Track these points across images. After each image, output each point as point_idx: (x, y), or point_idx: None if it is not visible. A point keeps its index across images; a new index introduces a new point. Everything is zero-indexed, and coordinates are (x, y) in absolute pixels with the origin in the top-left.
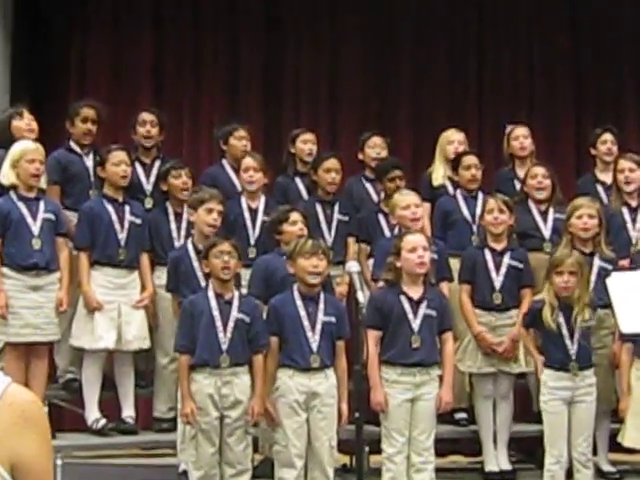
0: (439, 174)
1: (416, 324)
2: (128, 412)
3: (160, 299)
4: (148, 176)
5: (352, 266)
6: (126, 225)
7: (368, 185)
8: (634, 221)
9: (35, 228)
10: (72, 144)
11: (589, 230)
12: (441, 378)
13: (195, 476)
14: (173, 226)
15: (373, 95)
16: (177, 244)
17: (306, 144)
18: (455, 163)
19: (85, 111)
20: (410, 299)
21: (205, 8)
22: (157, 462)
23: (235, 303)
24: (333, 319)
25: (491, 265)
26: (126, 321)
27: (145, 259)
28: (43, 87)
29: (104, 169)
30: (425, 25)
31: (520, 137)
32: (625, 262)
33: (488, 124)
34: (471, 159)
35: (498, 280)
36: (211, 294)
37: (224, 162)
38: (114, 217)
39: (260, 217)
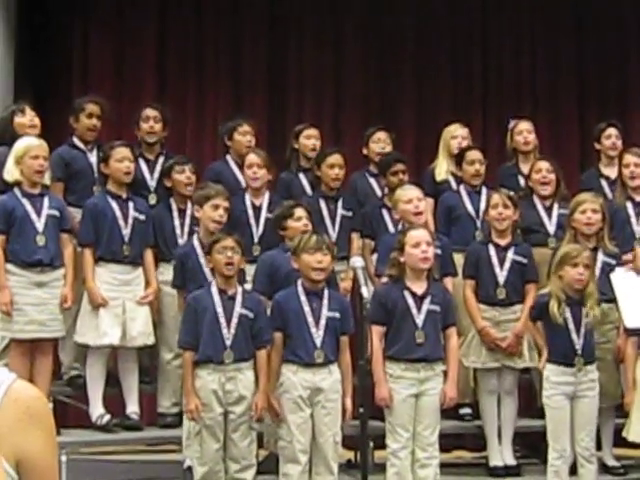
0: (442, 169)
1: (420, 319)
2: (132, 408)
3: (164, 295)
4: (152, 172)
5: (356, 261)
6: (130, 221)
7: (372, 180)
8: (638, 216)
9: (39, 224)
10: (75, 140)
11: (593, 225)
12: (445, 373)
13: (200, 472)
14: (177, 222)
15: (376, 91)
16: (181, 240)
17: (309, 139)
18: (459, 158)
19: (90, 107)
20: (414, 294)
21: (208, 5)
22: (162, 458)
23: (239, 299)
24: (337, 314)
25: (495, 260)
26: (131, 317)
27: (149, 255)
28: (46, 84)
29: (107, 165)
30: (428, 21)
31: (524, 132)
32: (629, 256)
33: (492, 119)
34: (475, 154)
35: (502, 275)
36: (214, 290)
37: (228, 158)
38: (118, 213)
39: (264, 214)
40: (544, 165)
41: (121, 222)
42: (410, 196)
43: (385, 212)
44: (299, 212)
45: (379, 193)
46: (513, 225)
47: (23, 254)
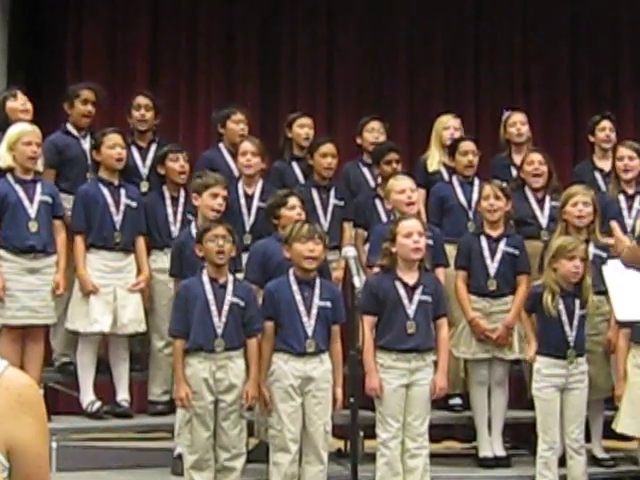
0: (434, 160)
1: (411, 310)
2: (123, 395)
3: (156, 283)
4: (144, 160)
5: (348, 251)
6: (122, 208)
7: (365, 170)
8: (630, 209)
9: (32, 211)
10: (69, 127)
11: (584, 218)
12: (436, 364)
13: (190, 460)
14: (170, 210)
15: (370, 80)
16: (173, 228)
17: (303, 128)
18: (452, 149)
19: (85, 93)
20: (405, 285)
21: None
22: (152, 445)
23: (229, 287)
24: (329, 304)
25: (486, 252)
26: (122, 305)
27: (141, 242)
28: (40, 71)
29: (99, 152)
30: (422, 12)
31: (517, 123)
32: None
33: (485, 110)
34: (468, 145)
35: (493, 266)
36: (205, 279)
37: (221, 146)
38: (109, 200)
39: (256, 203)
40: (536, 157)
41: (112, 209)
42: (403, 186)
43: (378, 202)
44: (292, 201)
45: (372, 183)
46: (505, 216)
47: (15, 240)
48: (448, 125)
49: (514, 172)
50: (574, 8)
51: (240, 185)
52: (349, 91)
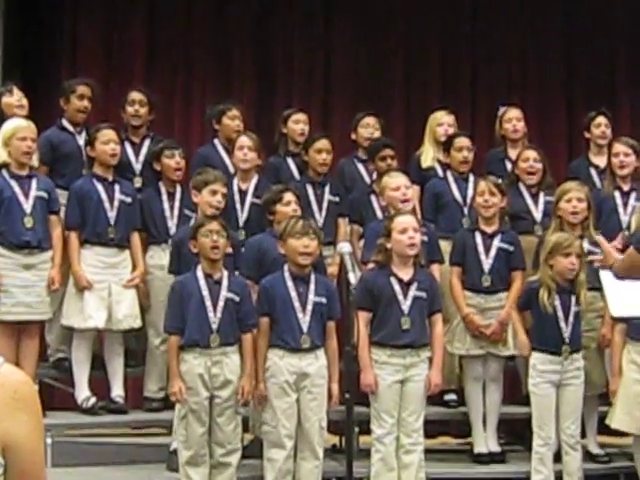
0: (428, 156)
1: (406, 306)
2: (117, 391)
3: (154, 279)
4: (137, 155)
5: (343, 247)
6: (116, 204)
7: (360, 166)
8: (625, 205)
9: (27, 206)
10: (64, 122)
11: (578, 214)
12: (431, 360)
13: (185, 456)
14: (166, 205)
15: (366, 76)
16: (170, 224)
17: (298, 124)
18: (447, 145)
19: (81, 88)
20: (400, 281)
21: None
22: (147, 441)
23: (224, 283)
24: (324, 300)
25: (481, 248)
26: (116, 300)
27: (136, 238)
28: (35, 66)
29: (93, 148)
30: (418, 8)
31: (513, 119)
32: (615, 243)
33: (481, 107)
34: (463, 141)
35: (487, 263)
36: (200, 274)
37: (216, 142)
38: (103, 196)
39: (249, 199)
40: (532, 154)
41: (107, 205)
42: (398, 183)
43: (373, 198)
44: (288, 197)
45: (367, 179)
46: (500, 212)
47: (11, 236)
48: (442, 121)
49: (509, 166)
50: (569, 6)
51: (235, 181)
52: (345, 88)
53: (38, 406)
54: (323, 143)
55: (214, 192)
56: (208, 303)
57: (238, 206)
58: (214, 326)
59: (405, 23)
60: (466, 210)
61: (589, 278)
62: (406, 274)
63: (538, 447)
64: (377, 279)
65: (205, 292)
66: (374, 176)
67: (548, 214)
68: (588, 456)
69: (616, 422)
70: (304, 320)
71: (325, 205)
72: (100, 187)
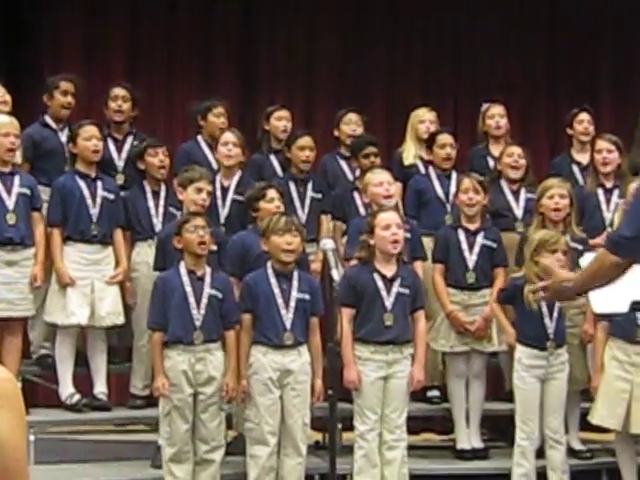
0: (410, 153)
1: (389, 302)
2: (100, 388)
3: (140, 276)
4: (120, 152)
5: (326, 243)
6: (98, 201)
7: (343, 163)
8: (608, 202)
9: (10, 203)
10: (47, 119)
11: (560, 211)
12: (413, 356)
13: (168, 452)
14: (151, 203)
15: (348, 73)
16: (155, 221)
17: (280, 121)
18: (430, 142)
19: (64, 84)
20: (383, 277)
21: None
22: (130, 438)
23: (207, 279)
24: (307, 296)
25: (464, 245)
26: (99, 297)
27: (119, 235)
28: (18, 63)
29: (75, 144)
30: (401, 4)
31: (496, 116)
32: (597, 241)
33: (463, 103)
34: (446, 138)
35: (471, 259)
36: (183, 271)
37: (199, 138)
38: (86, 192)
39: (231, 196)
40: (516, 150)
41: (89, 201)
42: (381, 179)
43: (356, 195)
44: (271, 193)
45: (350, 176)
46: (482, 210)
47: None
48: (424, 118)
49: (491, 163)
50: (553, 3)
51: (217, 177)
52: (328, 84)
53: (21, 403)
54: (306, 140)
55: (199, 190)
56: (191, 300)
57: (219, 202)
58: (197, 323)
59: (388, 20)
60: (449, 207)
61: None
62: (389, 270)
63: (521, 441)
64: (360, 275)
65: (188, 289)
66: (357, 173)
67: (529, 211)
68: (570, 452)
69: (597, 418)
70: (287, 317)
71: (308, 202)
72: (82, 184)
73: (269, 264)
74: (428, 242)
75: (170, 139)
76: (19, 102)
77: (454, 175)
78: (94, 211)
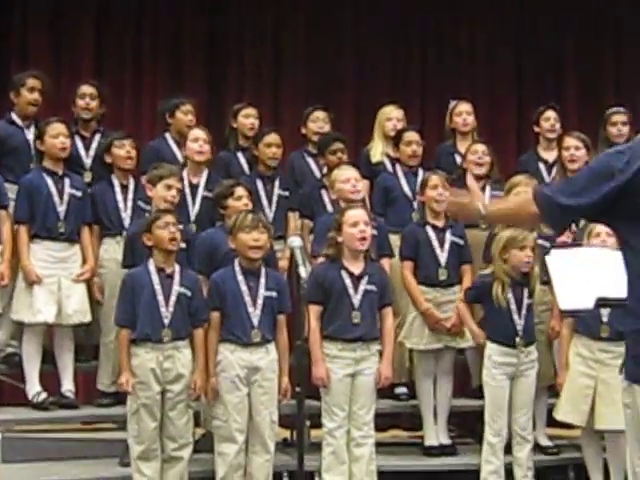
0: (377, 151)
1: (357, 300)
2: (67, 386)
3: (108, 272)
4: (87, 149)
5: (294, 241)
6: (65, 198)
7: (310, 160)
8: None
9: None
10: (13, 116)
11: None
12: (381, 353)
13: (137, 450)
14: (119, 197)
15: (316, 71)
16: (124, 215)
17: (248, 119)
18: (396, 139)
19: (31, 81)
20: (351, 274)
21: None
22: (98, 436)
23: (176, 277)
24: (274, 294)
25: (435, 242)
26: (66, 295)
27: (86, 232)
28: None
29: (42, 142)
30: (368, 3)
31: (463, 113)
32: (564, 238)
33: (431, 101)
34: (412, 135)
35: (443, 256)
36: (152, 268)
37: (167, 136)
38: (53, 190)
39: (201, 193)
40: (480, 147)
41: (56, 199)
42: (348, 175)
43: (324, 192)
44: (239, 191)
45: (317, 173)
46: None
47: None
48: (391, 116)
49: (458, 159)
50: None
51: (185, 175)
52: (295, 82)
53: None
54: (273, 137)
55: (169, 187)
56: (160, 297)
57: (189, 200)
58: (166, 320)
59: (355, 19)
60: (415, 204)
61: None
62: (357, 268)
63: (490, 438)
64: (328, 273)
65: (157, 286)
66: (324, 170)
67: None
68: (537, 448)
69: (562, 414)
70: (255, 314)
71: (275, 199)
72: (50, 181)
73: (236, 262)
74: (395, 239)
75: (137, 137)
76: None
77: (421, 172)
78: (61, 208)
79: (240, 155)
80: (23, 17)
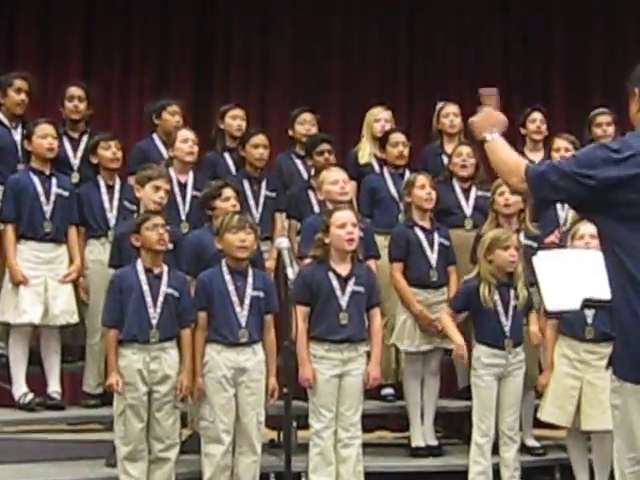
0: (365, 152)
1: (344, 301)
2: (54, 387)
3: (92, 274)
4: (75, 150)
5: (282, 242)
6: (52, 198)
7: (298, 161)
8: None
9: None
10: (0, 116)
11: (510, 206)
12: (368, 354)
13: (123, 451)
14: (105, 197)
15: (303, 72)
16: (110, 215)
17: (235, 120)
18: (383, 140)
19: (18, 82)
20: (338, 276)
21: None
22: (85, 437)
23: (164, 278)
24: (261, 294)
25: (425, 243)
26: (53, 296)
27: (73, 233)
28: None
29: (30, 142)
30: (355, 4)
31: (450, 115)
32: (552, 238)
33: (418, 102)
34: (398, 136)
35: (433, 257)
36: (140, 268)
37: (155, 136)
38: (40, 189)
39: (190, 192)
40: (465, 150)
41: (43, 198)
42: (336, 177)
43: (311, 193)
44: (227, 192)
45: (304, 174)
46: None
47: None
48: (379, 117)
49: (445, 160)
50: (507, 4)
51: (173, 174)
52: (282, 83)
53: None
54: (260, 138)
55: (157, 188)
56: (148, 298)
57: (179, 199)
58: (154, 321)
59: (342, 20)
60: (402, 206)
61: (525, 272)
62: (344, 269)
63: (478, 439)
64: (315, 274)
65: (145, 287)
66: (312, 172)
67: (478, 209)
68: (524, 449)
69: (546, 415)
70: (242, 314)
71: (262, 200)
72: (37, 180)
73: (224, 262)
74: (382, 240)
75: (125, 137)
76: None
77: (407, 174)
78: (47, 208)
79: (227, 155)
80: (10, 17)
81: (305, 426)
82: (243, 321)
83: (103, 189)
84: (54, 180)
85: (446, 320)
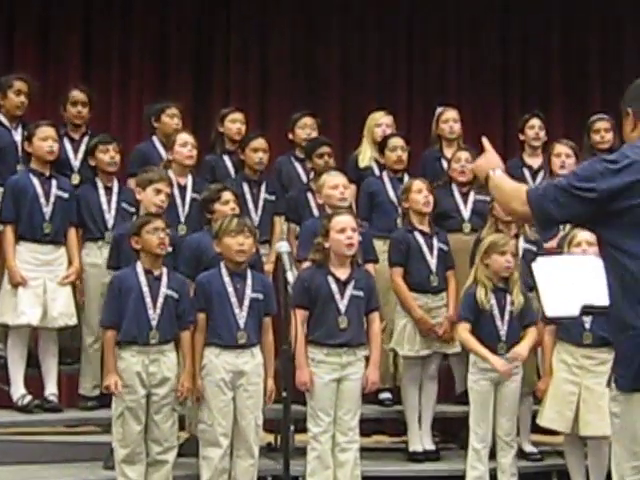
0: (366, 156)
1: (343, 305)
2: (51, 389)
3: (89, 277)
4: (76, 152)
5: (282, 246)
6: (52, 199)
7: (297, 165)
8: None
9: None
10: (1, 117)
11: None
12: (367, 358)
13: (121, 454)
14: (103, 199)
15: (303, 76)
16: (108, 216)
17: (235, 123)
18: (382, 145)
19: (18, 84)
20: (337, 280)
21: None
22: (82, 439)
23: (164, 279)
24: (260, 296)
25: (425, 248)
26: (52, 298)
27: (72, 234)
28: None
29: (31, 144)
30: (355, 8)
31: (450, 120)
32: (552, 243)
33: (417, 107)
34: (397, 141)
35: (433, 262)
36: (140, 270)
37: (154, 139)
38: (39, 190)
39: (189, 194)
40: (463, 155)
41: (42, 200)
42: (336, 182)
43: (311, 197)
44: (226, 196)
45: (304, 178)
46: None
47: None
48: (380, 122)
49: (445, 164)
50: (506, 5)
51: (172, 176)
52: (282, 87)
53: None
54: (259, 142)
55: (158, 191)
56: (148, 299)
57: (179, 201)
58: (153, 323)
59: (341, 23)
60: (400, 210)
61: (525, 277)
62: (343, 273)
63: (475, 444)
64: (314, 278)
65: (145, 288)
66: (311, 175)
67: (477, 213)
68: (521, 454)
69: (545, 420)
70: (241, 316)
71: (261, 203)
72: (36, 182)
73: (222, 264)
74: (380, 245)
75: (124, 138)
76: None
77: (406, 178)
78: (47, 209)
79: (226, 158)
80: (9, 19)
81: (303, 430)
82: (242, 322)
83: (101, 191)
84: (54, 182)
85: (470, 341)
